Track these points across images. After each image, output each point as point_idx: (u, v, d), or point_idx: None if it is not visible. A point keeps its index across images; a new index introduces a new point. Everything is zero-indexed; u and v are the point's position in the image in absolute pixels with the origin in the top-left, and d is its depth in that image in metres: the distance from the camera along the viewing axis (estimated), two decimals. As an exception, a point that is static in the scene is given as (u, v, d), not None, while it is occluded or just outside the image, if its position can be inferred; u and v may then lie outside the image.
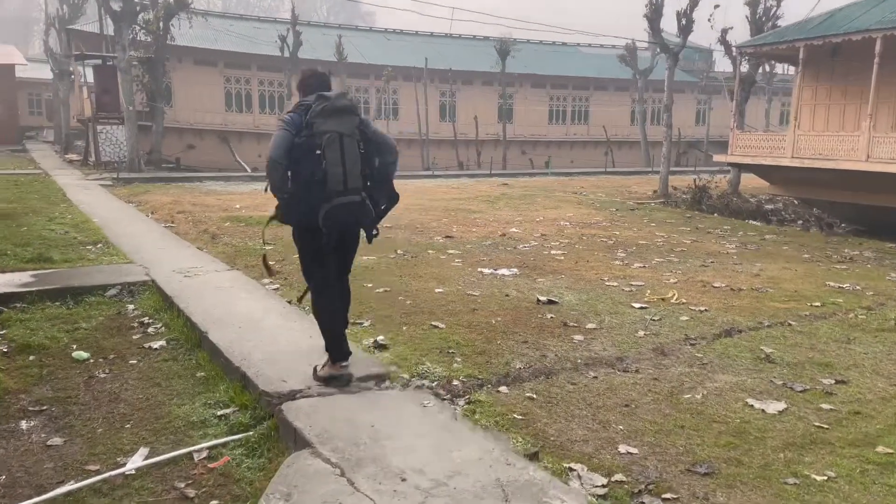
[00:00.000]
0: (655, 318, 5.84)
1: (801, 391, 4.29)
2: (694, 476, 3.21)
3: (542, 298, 6.35)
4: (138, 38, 22.99)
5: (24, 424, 3.79)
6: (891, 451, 3.48)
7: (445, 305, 6.07)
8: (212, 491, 3.16)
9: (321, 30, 33.30)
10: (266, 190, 3.89)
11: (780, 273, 8.10)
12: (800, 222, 14.50)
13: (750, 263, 8.72)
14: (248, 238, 9.46)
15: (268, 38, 28.48)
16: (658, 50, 22.89)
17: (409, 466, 3.04)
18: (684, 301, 6.51)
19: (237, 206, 13.22)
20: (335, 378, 3.94)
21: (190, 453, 3.44)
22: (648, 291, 6.87)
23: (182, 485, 3.20)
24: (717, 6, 19.09)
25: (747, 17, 18.89)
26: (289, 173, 3.75)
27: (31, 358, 4.72)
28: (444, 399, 3.95)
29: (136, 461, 3.35)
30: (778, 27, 17.82)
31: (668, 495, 3.02)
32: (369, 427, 3.43)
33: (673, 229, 11.96)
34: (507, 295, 6.55)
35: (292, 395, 3.80)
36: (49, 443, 3.58)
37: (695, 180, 16.76)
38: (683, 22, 19.00)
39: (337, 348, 3.99)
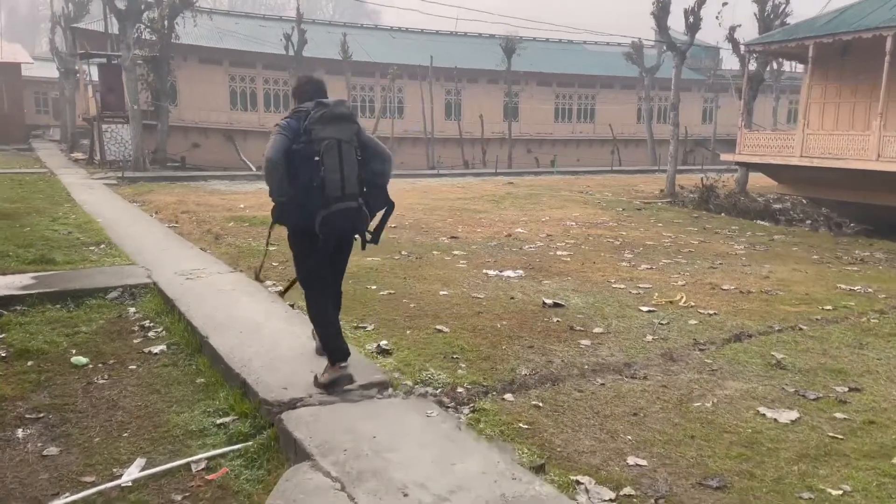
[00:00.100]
0: (663, 322, 5.75)
1: (813, 399, 4.19)
2: (706, 490, 3.12)
3: (548, 301, 6.26)
4: (143, 37, 22.93)
5: (20, 433, 3.71)
6: (908, 463, 3.38)
7: (450, 308, 5.99)
8: (209, 504, 3.08)
9: (326, 28, 33.18)
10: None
11: (789, 275, 7.98)
12: (808, 222, 14.35)
13: (759, 265, 8.61)
14: (251, 238, 9.40)
15: (273, 37, 28.37)
16: (664, 48, 22.73)
17: (411, 480, 2.95)
18: (693, 304, 6.41)
19: (241, 206, 13.16)
20: (336, 382, 3.87)
21: (188, 464, 3.36)
22: (656, 294, 6.77)
23: (179, 497, 3.12)
24: (725, 3, 18.87)
25: (755, 15, 18.70)
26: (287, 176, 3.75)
27: (30, 363, 4.65)
28: (449, 407, 3.87)
29: (132, 473, 3.27)
30: (787, 25, 17.65)
31: (678, 511, 2.94)
32: (371, 438, 3.34)
33: (680, 229, 11.84)
34: (512, 297, 6.46)
35: (293, 404, 3.71)
36: (45, 452, 3.51)
37: (702, 179, 16.63)
38: (691, 19, 18.83)
39: (336, 349, 3.94)
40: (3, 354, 4.79)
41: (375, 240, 4.13)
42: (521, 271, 7.71)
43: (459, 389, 4.12)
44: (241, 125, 28.30)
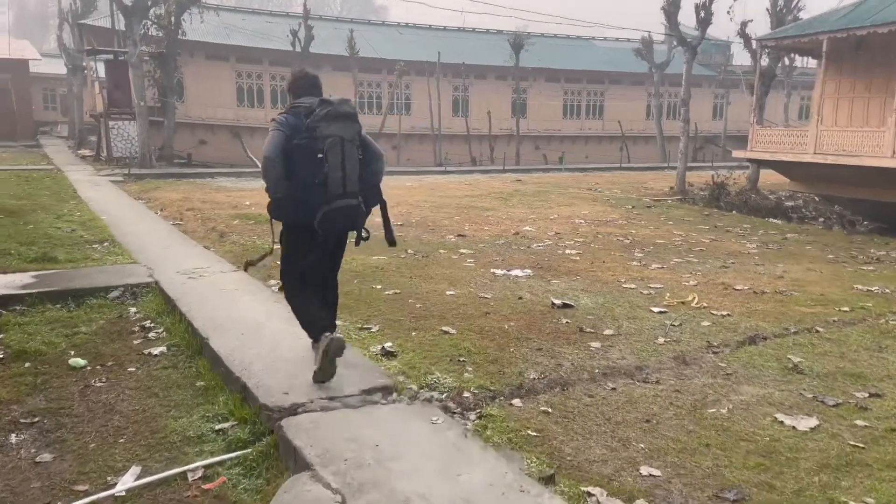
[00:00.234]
0: (675, 324, 5.60)
1: (833, 405, 4.04)
2: (723, 503, 2.97)
3: (557, 302, 6.12)
4: (150, 33, 22.90)
5: (13, 438, 3.61)
6: (935, 475, 3.23)
7: (456, 309, 5.86)
8: (205, 515, 2.97)
9: (333, 24, 33.07)
10: None
11: (804, 275, 7.80)
12: (821, 220, 14.12)
13: (772, 264, 8.43)
14: (256, 236, 9.29)
15: (280, 33, 28.33)
16: (675, 43, 22.49)
17: (414, 492, 2.82)
18: (705, 305, 6.25)
19: (247, 203, 13.06)
20: (324, 356, 3.79)
21: (184, 473, 3.24)
22: (668, 294, 6.61)
23: (174, 508, 3.01)
24: (736, -2, 18.69)
25: (768, 10, 18.44)
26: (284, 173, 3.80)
27: (27, 365, 4.54)
28: (455, 413, 3.74)
29: (126, 481, 3.15)
30: (799, 19, 17.39)
31: (695, 526, 2.80)
32: (373, 446, 3.21)
33: (691, 227, 11.66)
34: (520, 298, 6.32)
35: (293, 410, 3.59)
36: (38, 459, 3.40)
37: (713, 176, 16.42)
38: (702, 14, 18.59)
39: (314, 328, 3.98)
40: (1, 356, 4.69)
41: (390, 240, 4.21)
42: (529, 270, 7.57)
43: (466, 394, 3.99)
44: (248, 122, 28.24)
